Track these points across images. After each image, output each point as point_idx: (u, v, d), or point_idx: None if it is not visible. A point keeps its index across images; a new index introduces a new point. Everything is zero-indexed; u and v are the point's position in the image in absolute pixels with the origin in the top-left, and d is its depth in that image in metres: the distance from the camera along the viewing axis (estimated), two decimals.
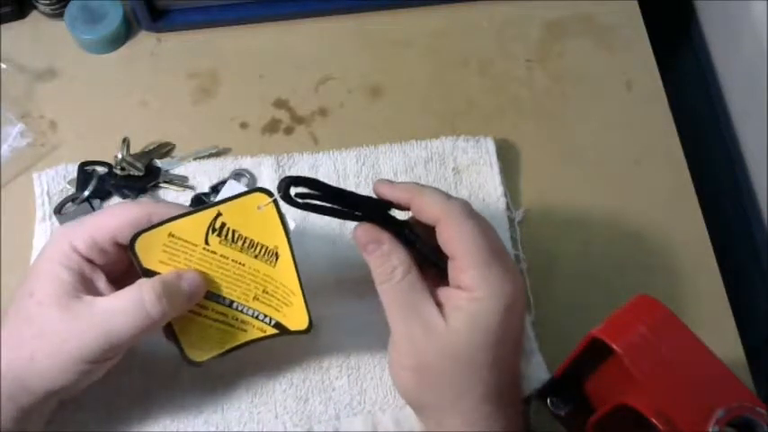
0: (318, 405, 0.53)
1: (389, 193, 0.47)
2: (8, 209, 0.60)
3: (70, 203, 0.59)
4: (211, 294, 0.47)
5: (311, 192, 0.44)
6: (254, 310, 0.48)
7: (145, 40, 0.68)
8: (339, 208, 0.45)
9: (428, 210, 0.46)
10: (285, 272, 0.47)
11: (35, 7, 0.67)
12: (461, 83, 0.67)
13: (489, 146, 0.62)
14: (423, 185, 0.47)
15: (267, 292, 0.47)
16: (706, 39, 0.72)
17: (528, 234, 0.60)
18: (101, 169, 0.60)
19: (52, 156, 0.62)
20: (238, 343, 0.48)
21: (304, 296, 0.47)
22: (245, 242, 0.46)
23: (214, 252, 0.46)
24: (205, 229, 0.45)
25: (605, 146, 0.64)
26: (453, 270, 0.45)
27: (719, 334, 0.57)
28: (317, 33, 0.69)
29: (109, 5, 0.66)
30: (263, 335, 0.48)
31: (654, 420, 0.40)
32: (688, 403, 0.40)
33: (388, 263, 0.45)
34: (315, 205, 0.44)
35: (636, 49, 0.69)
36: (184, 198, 0.60)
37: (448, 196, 0.46)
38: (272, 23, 0.69)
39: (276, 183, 0.59)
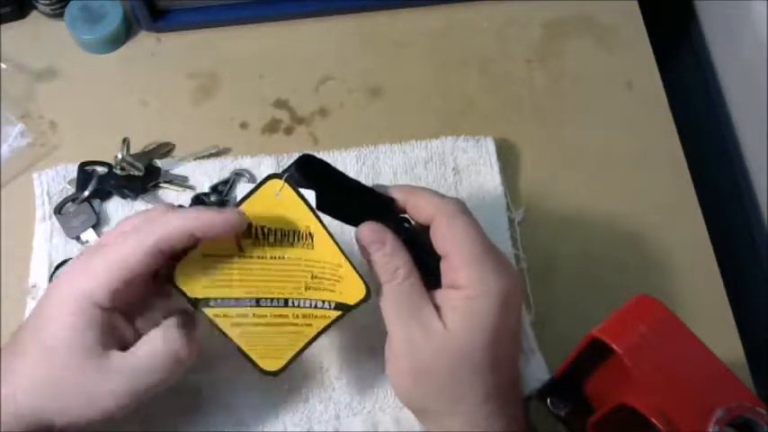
0: (318, 405, 0.53)
1: (387, 189, 0.47)
2: (8, 209, 0.60)
3: (70, 203, 0.59)
4: (264, 300, 0.46)
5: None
6: (310, 301, 0.46)
7: (145, 40, 0.68)
8: (344, 199, 0.45)
9: (422, 208, 0.46)
10: (324, 248, 0.45)
11: (35, 7, 0.67)
12: (461, 83, 0.67)
13: (489, 146, 0.62)
14: (417, 186, 0.47)
15: (316, 277, 0.46)
16: (706, 39, 0.72)
17: (528, 234, 0.60)
18: (101, 169, 0.60)
19: (52, 156, 0.62)
20: (308, 339, 0.47)
21: (351, 264, 0.45)
22: (276, 234, 0.45)
23: (251, 256, 0.45)
24: (235, 237, 0.44)
25: (605, 146, 0.64)
26: (447, 269, 0.45)
27: (719, 334, 0.57)
28: (317, 33, 0.69)
29: (109, 5, 0.66)
30: (328, 321, 0.47)
31: (654, 420, 0.40)
32: (688, 403, 0.40)
33: (391, 263, 0.45)
34: (323, 189, 0.44)
35: (636, 49, 0.69)
36: (185, 198, 0.60)
37: (441, 196, 0.46)
38: (272, 23, 0.69)
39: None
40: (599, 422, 0.46)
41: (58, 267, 0.56)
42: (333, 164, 0.60)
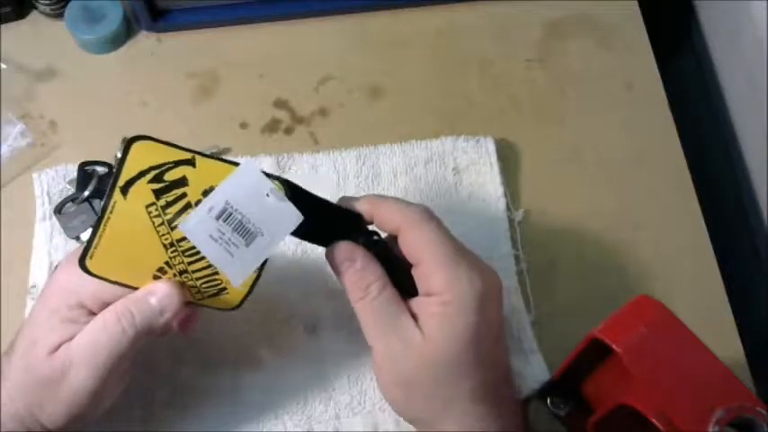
0: (318, 405, 0.53)
1: (352, 203, 0.46)
2: (8, 209, 0.60)
3: (70, 203, 0.59)
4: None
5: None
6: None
7: (145, 40, 0.68)
8: (311, 219, 0.44)
9: (388, 219, 0.45)
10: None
11: (35, 7, 0.67)
12: (461, 83, 0.67)
13: (489, 146, 0.62)
14: (382, 196, 0.47)
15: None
16: (706, 39, 0.72)
17: (528, 234, 0.60)
18: (101, 169, 0.60)
19: (52, 156, 0.62)
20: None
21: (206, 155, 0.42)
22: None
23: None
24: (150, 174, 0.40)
25: (605, 146, 0.64)
26: (419, 277, 0.44)
27: (719, 334, 0.57)
28: (317, 33, 0.69)
29: (109, 5, 0.66)
30: None
31: (654, 420, 0.40)
32: (688, 403, 0.40)
33: (362, 280, 0.44)
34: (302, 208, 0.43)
35: (636, 49, 0.69)
36: None
37: (407, 204, 0.45)
38: (272, 23, 0.69)
39: None
40: (599, 422, 0.46)
41: (57, 268, 0.56)
42: (333, 164, 0.61)
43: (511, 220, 0.60)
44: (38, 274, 0.57)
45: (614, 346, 0.42)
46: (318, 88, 0.66)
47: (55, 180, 0.60)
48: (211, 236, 0.41)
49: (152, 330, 0.43)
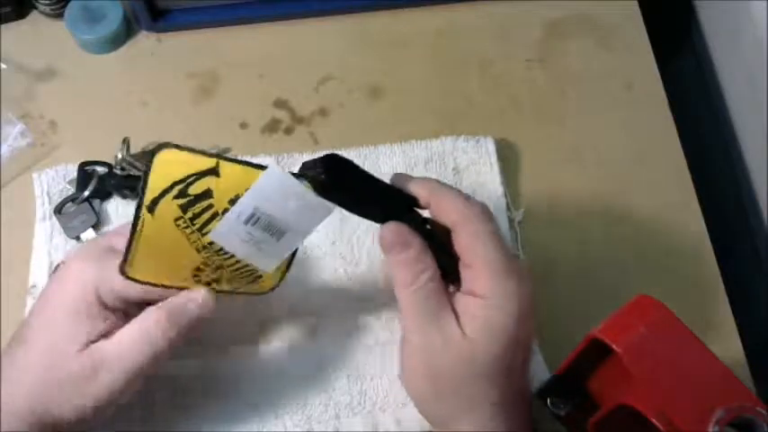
0: (318, 405, 0.53)
1: (409, 186, 0.45)
2: (8, 209, 0.60)
3: (70, 203, 0.59)
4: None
5: (342, 175, 0.42)
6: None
7: (145, 40, 0.68)
8: (366, 198, 0.43)
9: (446, 212, 0.44)
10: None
11: (35, 7, 0.67)
12: (461, 83, 0.67)
13: (489, 146, 0.62)
14: (442, 184, 0.46)
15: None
16: (706, 39, 0.72)
17: (528, 234, 0.60)
18: (101, 169, 0.60)
19: (52, 156, 0.62)
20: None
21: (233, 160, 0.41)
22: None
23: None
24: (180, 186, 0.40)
25: (605, 146, 0.64)
26: (468, 276, 0.44)
27: (719, 334, 0.57)
28: (317, 33, 0.69)
29: (109, 5, 0.66)
30: None
31: (654, 420, 0.40)
32: (688, 403, 0.40)
33: (414, 267, 0.43)
34: (345, 192, 0.42)
35: (636, 49, 0.69)
36: None
37: (467, 197, 0.45)
38: (272, 23, 0.69)
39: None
40: (599, 422, 0.46)
41: (57, 267, 0.56)
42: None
43: (511, 220, 0.60)
44: (38, 274, 0.57)
45: (614, 346, 0.41)
46: (318, 88, 0.66)
47: (55, 180, 0.60)
48: (241, 239, 0.42)
49: (189, 335, 0.44)
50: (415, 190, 0.45)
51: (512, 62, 0.68)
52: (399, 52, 0.68)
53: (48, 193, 0.59)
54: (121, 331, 0.43)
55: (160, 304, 0.44)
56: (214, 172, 0.40)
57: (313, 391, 0.53)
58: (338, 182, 0.41)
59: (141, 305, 0.45)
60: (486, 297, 0.43)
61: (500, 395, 0.44)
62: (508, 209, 0.60)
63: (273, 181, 0.40)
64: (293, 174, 0.41)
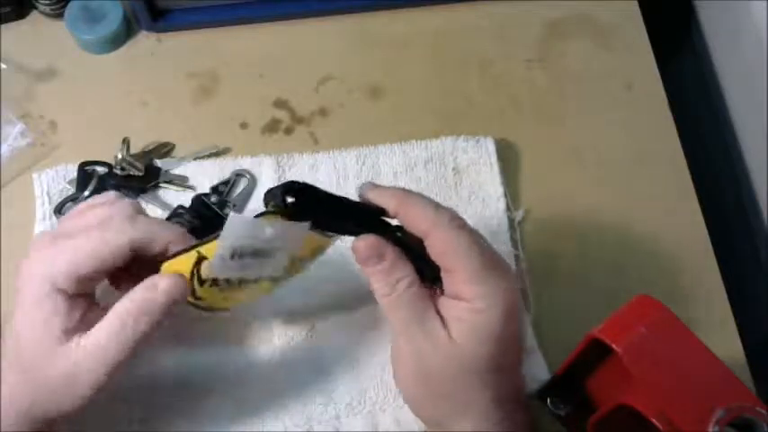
0: (318, 405, 0.53)
1: (376, 199, 0.45)
2: (8, 209, 0.60)
3: (70, 203, 0.59)
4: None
5: (303, 200, 0.43)
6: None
7: (145, 40, 0.68)
8: (334, 217, 0.44)
9: (416, 222, 0.44)
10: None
11: (35, 7, 0.67)
12: (461, 83, 0.67)
13: (489, 146, 0.62)
14: (410, 192, 0.45)
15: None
16: (706, 39, 0.72)
17: (528, 234, 0.60)
18: (101, 169, 0.60)
19: (52, 156, 0.62)
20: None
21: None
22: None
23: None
24: (189, 277, 0.44)
25: (605, 146, 0.64)
26: (449, 282, 0.44)
27: (719, 334, 0.57)
28: (317, 33, 0.69)
29: (109, 5, 0.66)
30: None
31: (654, 420, 0.40)
32: (688, 403, 0.40)
33: (391, 276, 0.43)
34: (311, 215, 0.43)
35: (636, 49, 0.69)
36: (185, 198, 0.60)
37: (436, 206, 0.44)
38: (272, 23, 0.69)
39: (275, 183, 0.60)
40: (599, 422, 0.46)
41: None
42: (333, 164, 0.61)
43: (511, 220, 0.60)
44: None
45: (614, 346, 0.41)
46: (318, 88, 0.66)
47: (55, 180, 0.60)
48: (236, 269, 0.43)
49: (164, 321, 0.44)
50: (383, 201, 0.45)
51: (512, 62, 0.68)
52: (399, 52, 0.68)
53: (48, 193, 0.59)
54: (97, 327, 0.43)
55: (130, 296, 0.43)
56: (203, 258, 0.43)
57: (313, 391, 0.53)
58: (300, 206, 0.42)
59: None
60: (469, 300, 0.43)
61: (493, 394, 0.44)
62: (508, 209, 0.60)
63: (237, 226, 0.41)
64: (257, 214, 0.43)
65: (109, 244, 0.43)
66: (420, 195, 0.45)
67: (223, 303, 0.47)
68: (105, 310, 0.44)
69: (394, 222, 0.46)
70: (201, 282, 0.44)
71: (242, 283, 0.45)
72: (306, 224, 0.43)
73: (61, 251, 0.43)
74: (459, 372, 0.43)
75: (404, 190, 0.45)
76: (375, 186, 0.46)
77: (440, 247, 0.43)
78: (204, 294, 0.45)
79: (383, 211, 0.45)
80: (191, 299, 0.46)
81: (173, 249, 0.44)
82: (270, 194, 0.43)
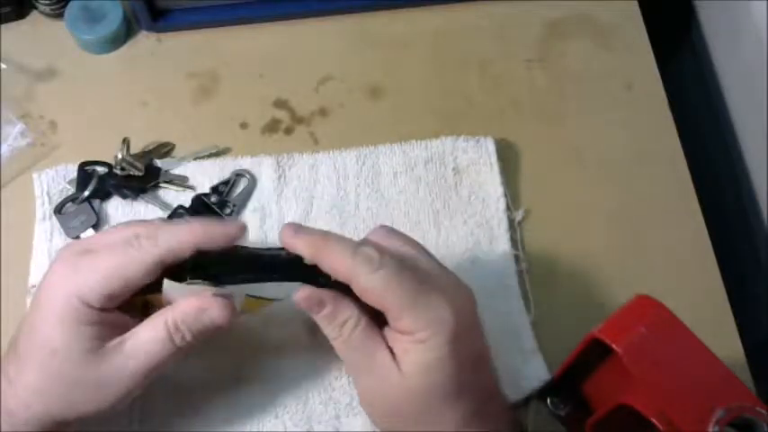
0: (318, 405, 0.53)
1: (292, 246, 0.44)
2: (8, 209, 0.60)
3: (70, 203, 0.59)
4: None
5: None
6: None
7: (145, 40, 0.68)
8: (260, 271, 0.45)
9: (334, 271, 0.43)
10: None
11: (35, 7, 0.67)
12: (461, 83, 0.67)
13: (489, 146, 0.62)
14: (327, 238, 0.44)
15: None
16: (706, 39, 0.72)
17: (528, 234, 0.60)
18: (101, 169, 0.60)
19: (52, 156, 0.62)
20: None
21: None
22: None
23: None
24: None
25: (605, 146, 0.64)
26: (390, 318, 0.43)
27: (719, 334, 0.57)
28: (317, 33, 0.69)
29: (109, 5, 0.66)
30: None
31: (654, 420, 0.40)
32: (688, 403, 0.40)
33: (335, 321, 0.43)
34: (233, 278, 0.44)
35: (636, 49, 0.69)
36: (185, 198, 0.60)
37: (354, 249, 0.42)
38: (272, 23, 0.69)
39: (275, 183, 0.60)
40: (599, 422, 0.46)
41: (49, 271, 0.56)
42: (333, 164, 0.61)
43: (511, 220, 0.60)
44: (38, 274, 0.57)
45: (614, 346, 0.42)
46: (318, 88, 0.66)
47: (55, 180, 0.60)
48: None
49: (203, 339, 0.45)
50: (300, 248, 0.44)
51: (512, 62, 0.68)
52: (399, 52, 0.68)
53: (48, 193, 0.59)
54: (136, 337, 0.43)
55: (177, 312, 0.44)
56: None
57: (313, 391, 0.53)
58: (211, 275, 0.44)
59: (138, 306, 0.45)
60: (410, 332, 0.42)
61: (459, 414, 0.43)
62: (508, 209, 0.60)
63: (172, 291, 0.44)
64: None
65: (135, 261, 0.43)
66: (338, 239, 0.44)
67: None
68: (134, 319, 0.44)
69: None
70: None
71: None
72: (242, 290, 0.44)
73: (87, 268, 0.43)
74: (415, 404, 0.43)
75: (322, 235, 0.44)
76: (295, 232, 0.44)
77: (363, 292, 0.43)
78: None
79: (301, 260, 0.44)
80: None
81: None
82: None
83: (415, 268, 0.44)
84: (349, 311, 0.44)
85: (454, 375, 0.42)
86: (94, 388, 0.43)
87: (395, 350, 0.43)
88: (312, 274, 0.44)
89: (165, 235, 0.43)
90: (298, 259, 0.44)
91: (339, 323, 0.44)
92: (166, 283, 0.43)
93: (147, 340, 0.43)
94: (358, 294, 0.43)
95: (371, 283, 0.42)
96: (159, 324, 0.43)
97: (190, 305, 0.44)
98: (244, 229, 0.45)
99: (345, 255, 0.42)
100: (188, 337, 0.44)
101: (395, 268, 0.42)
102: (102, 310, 0.43)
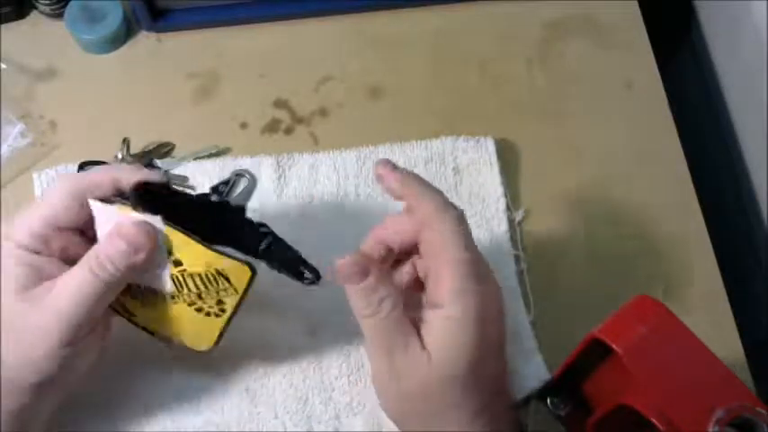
0: (318, 405, 0.53)
1: (387, 182, 0.45)
2: (8, 209, 0.60)
3: None
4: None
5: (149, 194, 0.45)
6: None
7: (145, 40, 0.68)
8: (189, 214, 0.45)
9: (423, 203, 0.43)
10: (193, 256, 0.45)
11: (35, 7, 0.67)
12: (461, 83, 0.67)
13: (489, 146, 0.62)
14: (413, 176, 0.45)
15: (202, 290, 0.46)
16: (706, 39, 0.72)
17: (528, 234, 0.60)
18: None
19: (52, 156, 0.62)
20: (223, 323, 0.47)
21: (224, 254, 0.44)
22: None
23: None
24: None
25: (605, 146, 0.64)
26: (432, 280, 0.43)
27: (719, 334, 0.57)
28: (317, 33, 0.69)
29: (109, 5, 0.66)
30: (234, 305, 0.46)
31: (654, 420, 0.40)
32: (688, 403, 0.40)
33: (373, 295, 0.42)
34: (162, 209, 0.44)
35: (636, 49, 0.69)
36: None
37: (445, 202, 0.44)
38: (272, 23, 0.69)
39: (275, 184, 0.60)
40: (599, 422, 0.46)
41: None
42: (333, 164, 0.61)
43: (511, 220, 0.60)
44: None
45: (614, 346, 0.42)
46: (318, 88, 0.66)
47: (55, 180, 0.60)
48: None
49: (128, 274, 0.43)
50: (394, 185, 0.44)
51: (512, 62, 0.68)
52: (399, 52, 0.68)
53: None
54: (64, 274, 0.43)
55: (96, 246, 0.43)
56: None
57: (313, 391, 0.53)
58: (145, 198, 0.44)
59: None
60: (445, 305, 0.42)
61: (474, 406, 0.43)
62: (508, 209, 0.60)
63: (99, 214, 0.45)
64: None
65: (59, 192, 0.44)
66: (434, 189, 0.45)
67: (154, 326, 0.48)
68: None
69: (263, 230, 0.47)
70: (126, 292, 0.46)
71: (153, 296, 0.45)
72: (157, 217, 0.43)
73: (22, 212, 0.45)
74: (437, 389, 0.43)
75: (419, 180, 0.45)
76: (390, 166, 0.45)
77: (434, 236, 0.43)
78: (133, 308, 0.47)
79: (242, 210, 0.45)
80: (125, 314, 0.47)
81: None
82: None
83: (475, 248, 0.44)
84: (391, 288, 0.43)
85: (477, 365, 0.42)
86: (27, 333, 0.42)
87: (424, 331, 0.43)
88: (252, 236, 0.46)
89: (88, 173, 0.45)
90: (237, 210, 0.46)
91: (378, 299, 0.42)
92: (91, 202, 0.44)
93: (73, 277, 0.43)
94: (425, 237, 0.43)
95: (451, 232, 0.43)
96: (83, 261, 0.43)
97: (108, 237, 0.43)
98: (162, 174, 0.46)
99: (440, 196, 0.44)
100: (110, 268, 0.42)
101: (470, 236, 0.44)
102: (36, 252, 0.44)
